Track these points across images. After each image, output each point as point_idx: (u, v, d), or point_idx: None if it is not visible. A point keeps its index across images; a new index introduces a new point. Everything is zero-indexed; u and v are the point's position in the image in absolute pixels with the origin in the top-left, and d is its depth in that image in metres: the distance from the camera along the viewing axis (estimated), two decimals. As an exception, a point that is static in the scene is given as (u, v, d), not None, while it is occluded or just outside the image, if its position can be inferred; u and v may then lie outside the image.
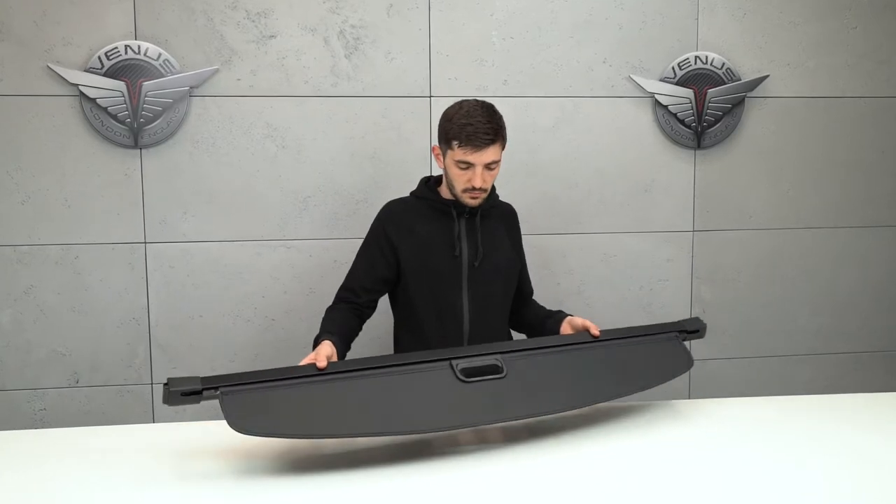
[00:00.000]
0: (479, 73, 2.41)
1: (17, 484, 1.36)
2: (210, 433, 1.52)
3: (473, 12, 2.39)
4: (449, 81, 2.40)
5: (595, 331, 1.69)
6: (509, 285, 1.91)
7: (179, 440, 1.52)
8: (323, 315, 1.80)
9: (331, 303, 1.85)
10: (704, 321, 1.82)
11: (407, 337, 1.87)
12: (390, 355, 1.57)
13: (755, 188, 2.59)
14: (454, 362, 1.50)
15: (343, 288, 1.84)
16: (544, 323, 1.89)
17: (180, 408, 1.63)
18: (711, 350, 2.64)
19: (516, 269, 1.93)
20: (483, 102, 1.74)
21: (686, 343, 1.78)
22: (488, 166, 1.72)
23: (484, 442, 1.55)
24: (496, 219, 1.89)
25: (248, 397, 1.33)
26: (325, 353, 1.51)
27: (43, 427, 2.29)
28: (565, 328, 1.79)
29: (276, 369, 1.40)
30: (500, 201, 1.93)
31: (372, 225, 1.87)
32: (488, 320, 1.86)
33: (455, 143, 1.70)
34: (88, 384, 2.34)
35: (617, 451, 1.50)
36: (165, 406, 1.36)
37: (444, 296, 1.81)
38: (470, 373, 1.50)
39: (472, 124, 1.68)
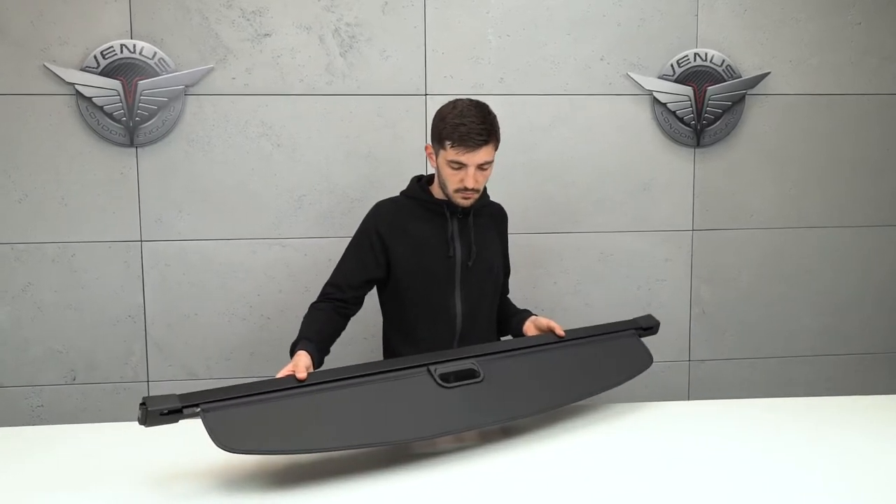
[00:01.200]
0: (474, 70, 2.39)
1: (14, 479, 1.37)
2: (204, 431, 1.51)
3: (469, 9, 2.37)
4: (444, 79, 2.38)
5: (560, 331, 1.71)
6: (498, 284, 1.91)
7: (174, 437, 1.51)
8: (306, 311, 1.79)
9: (316, 298, 1.84)
10: (658, 319, 1.84)
11: (397, 337, 1.86)
12: (369, 363, 1.55)
13: (756, 187, 2.56)
14: (432, 367, 1.50)
15: (330, 284, 1.83)
16: (509, 321, 1.91)
17: None
18: (711, 351, 2.61)
19: (504, 269, 1.93)
20: (477, 102, 1.72)
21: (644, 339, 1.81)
22: (481, 167, 1.71)
23: (462, 443, 1.54)
24: (486, 218, 1.88)
25: (229, 413, 1.31)
26: (304, 363, 1.50)
27: (40, 423, 2.29)
28: (529, 328, 1.81)
29: (255, 383, 1.38)
30: (491, 201, 1.92)
31: (362, 224, 1.86)
32: (479, 320, 1.85)
33: (448, 143, 1.68)
34: (85, 381, 2.35)
35: (616, 451, 1.49)
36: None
37: (437, 296, 1.80)
38: (449, 378, 1.50)
39: (466, 124, 1.66)
